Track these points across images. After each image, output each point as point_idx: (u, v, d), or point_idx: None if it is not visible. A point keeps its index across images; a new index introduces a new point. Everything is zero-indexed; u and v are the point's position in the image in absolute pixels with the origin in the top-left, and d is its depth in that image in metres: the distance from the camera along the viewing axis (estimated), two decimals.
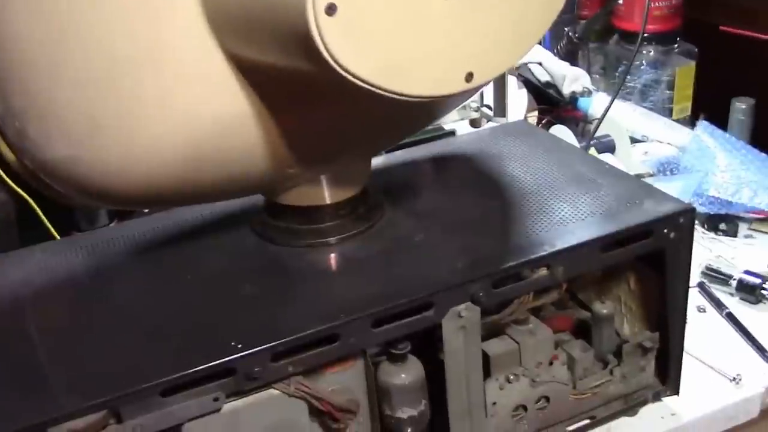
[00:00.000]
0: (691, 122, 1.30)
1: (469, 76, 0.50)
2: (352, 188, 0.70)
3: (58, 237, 0.88)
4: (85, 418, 0.52)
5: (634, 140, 1.24)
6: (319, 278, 0.65)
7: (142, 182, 0.57)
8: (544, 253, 0.64)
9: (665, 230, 0.68)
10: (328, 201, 0.69)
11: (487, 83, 0.52)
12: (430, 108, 0.65)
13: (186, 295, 0.64)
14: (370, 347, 0.62)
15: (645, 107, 1.31)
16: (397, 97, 0.48)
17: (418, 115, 0.67)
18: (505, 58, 0.54)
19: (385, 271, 0.65)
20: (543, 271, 0.65)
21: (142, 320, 0.61)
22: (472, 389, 0.66)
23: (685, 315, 0.74)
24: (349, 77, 0.46)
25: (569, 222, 0.68)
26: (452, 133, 1.15)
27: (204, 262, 0.69)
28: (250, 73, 0.54)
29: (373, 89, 0.47)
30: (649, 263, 0.73)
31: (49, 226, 0.87)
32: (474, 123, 1.20)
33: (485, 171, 0.80)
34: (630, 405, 0.77)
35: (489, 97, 1.19)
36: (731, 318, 0.91)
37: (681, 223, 0.69)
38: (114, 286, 0.67)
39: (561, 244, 0.65)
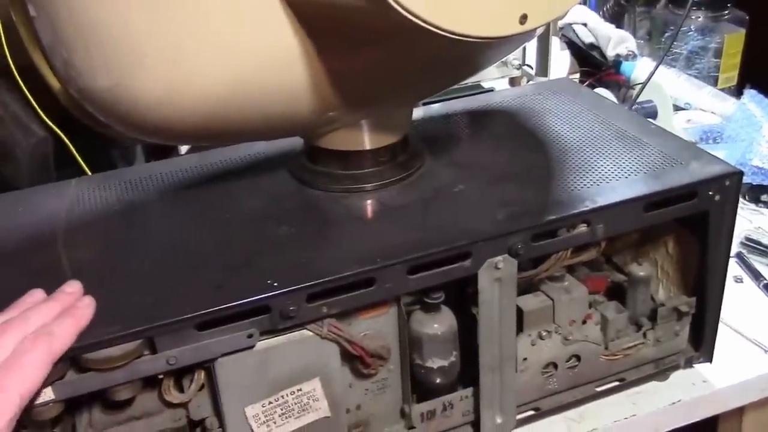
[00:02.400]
0: (736, 92, 1.27)
1: (523, 18, 0.48)
2: (393, 135, 0.69)
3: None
4: (121, 346, 0.53)
5: (676, 108, 1.22)
6: (355, 223, 0.65)
7: (183, 115, 0.57)
8: (585, 209, 0.63)
9: (710, 192, 0.67)
10: (367, 147, 0.68)
11: (541, 27, 0.50)
12: (479, 53, 0.64)
13: (223, 233, 0.64)
14: (405, 293, 0.62)
15: (690, 74, 1.28)
16: (450, 35, 0.47)
17: (466, 60, 0.65)
18: (559, 3, 0.52)
19: (423, 219, 0.64)
20: (583, 228, 0.64)
21: (178, 255, 0.61)
22: (504, 343, 0.66)
23: (724, 281, 0.72)
24: (403, 12, 0.45)
25: (612, 179, 0.67)
26: (491, 90, 1.13)
27: (241, 202, 0.68)
28: (299, 8, 0.53)
29: (426, 26, 0.46)
30: (690, 226, 0.72)
31: (82, 163, 0.87)
32: (514, 82, 1.19)
33: (527, 126, 0.78)
34: (661, 369, 0.76)
35: (531, 57, 1.17)
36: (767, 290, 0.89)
37: (727, 186, 0.67)
38: (150, 221, 0.67)
39: (603, 200, 0.64)
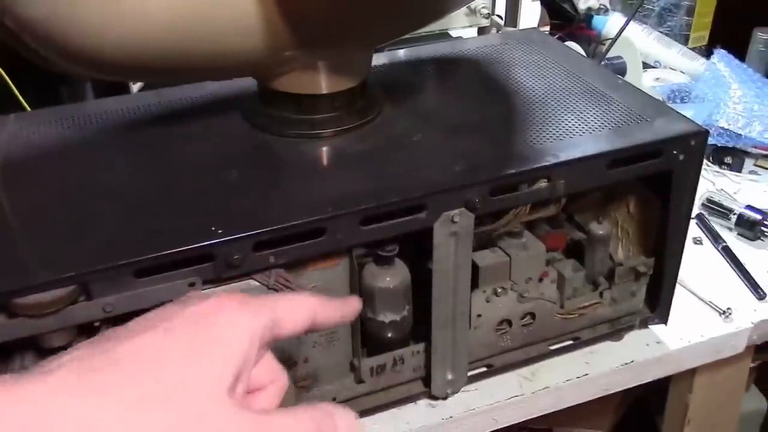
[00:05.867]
0: (707, 53, 1.26)
1: None
2: (351, 80, 0.66)
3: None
4: (53, 291, 0.50)
5: (645, 65, 1.20)
6: (308, 170, 0.62)
7: (123, 47, 0.53)
8: (546, 163, 0.61)
9: (675, 151, 0.65)
10: (324, 90, 0.65)
11: None
12: None
13: (167, 176, 0.61)
14: (357, 245, 0.59)
15: (661, 32, 1.26)
16: None
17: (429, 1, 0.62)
18: None
19: (378, 169, 0.61)
20: (543, 183, 0.62)
21: (119, 198, 0.58)
22: (458, 299, 0.64)
23: (684, 243, 0.71)
24: None
25: (575, 134, 0.65)
26: (458, 39, 1.10)
27: (189, 145, 0.65)
28: None
29: None
30: (652, 186, 0.70)
31: (21, 98, 0.82)
32: (482, 32, 1.15)
33: (491, 76, 0.76)
34: (616, 329, 0.76)
35: (500, 7, 1.13)
36: (727, 252, 0.89)
37: (692, 145, 0.65)
38: (92, 161, 0.63)
39: (565, 156, 0.62)
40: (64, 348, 0.54)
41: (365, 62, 0.68)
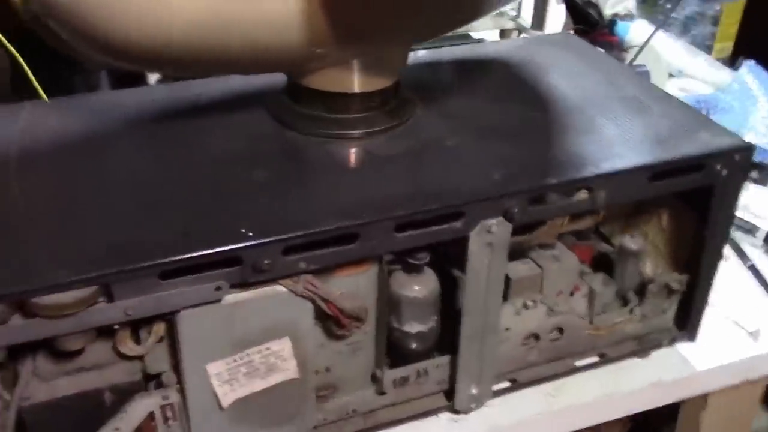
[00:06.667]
0: (730, 63, 1.23)
1: None
2: (384, 79, 0.63)
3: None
4: (73, 292, 0.47)
5: (669, 75, 1.18)
6: (340, 172, 0.59)
7: (154, 35, 0.50)
8: (588, 174, 0.59)
9: (718, 166, 0.63)
10: (356, 89, 0.63)
11: None
12: None
13: (192, 173, 0.58)
14: (390, 252, 0.57)
15: (684, 41, 1.24)
16: None
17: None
18: None
19: (412, 173, 0.59)
20: (583, 194, 0.60)
21: (143, 194, 0.56)
22: (489, 311, 0.61)
23: (719, 260, 0.69)
24: None
25: (616, 144, 0.63)
26: (480, 41, 1.07)
27: (215, 141, 0.62)
28: None
29: None
30: (686, 199, 0.68)
31: (37, 85, 0.79)
32: (504, 34, 1.13)
33: (527, 79, 0.73)
34: (643, 347, 0.73)
35: (526, 10, 1.11)
36: (754, 271, 0.86)
37: (736, 160, 0.63)
38: (114, 154, 0.61)
39: (608, 166, 0.59)
40: (80, 351, 0.52)
41: (399, 60, 0.65)
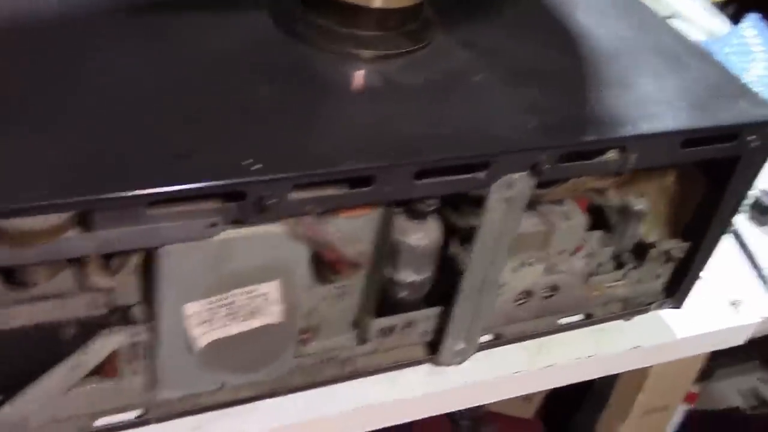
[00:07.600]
0: (722, 7, 1.18)
1: None
2: None
3: None
4: (44, 217, 0.39)
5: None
6: (355, 99, 0.52)
7: None
8: (625, 133, 0.53)
9: (750, 137, 0.58)
10: (376, 4, 0.55)
11: None
12: None
13: (189, 81, 0.50)
14: (404, 199, 0.51)
15: None
16: None
17: None
18: None
19: (436, 110, 0.52)
20: (612, 154, 0.55)
21: (128, 101, 0.47)
22: (495, 266, 0.57)
23: (726, 231, 0.66)
24: None
25: (652, 103, 0.57)
26: None
27: (210, 42, 0.54)
28: None
29: None
30: (700, 166, 0.64)
31: None
32: None
33: (560, 18, 0.66)
34: (630, 310, 0.70)
35: None
36: (737, 237, 0.84)
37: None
38: (97, 51, 0.51)
39: (645, 127, 0.54)
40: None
41: None
